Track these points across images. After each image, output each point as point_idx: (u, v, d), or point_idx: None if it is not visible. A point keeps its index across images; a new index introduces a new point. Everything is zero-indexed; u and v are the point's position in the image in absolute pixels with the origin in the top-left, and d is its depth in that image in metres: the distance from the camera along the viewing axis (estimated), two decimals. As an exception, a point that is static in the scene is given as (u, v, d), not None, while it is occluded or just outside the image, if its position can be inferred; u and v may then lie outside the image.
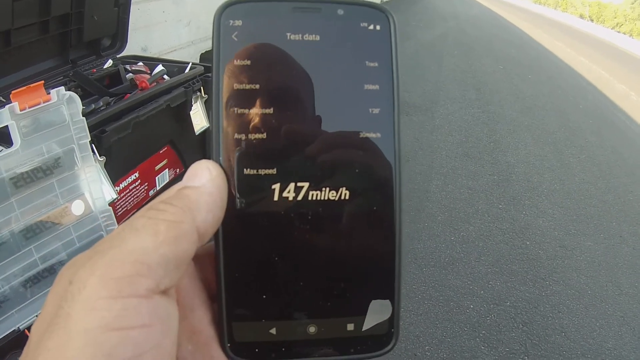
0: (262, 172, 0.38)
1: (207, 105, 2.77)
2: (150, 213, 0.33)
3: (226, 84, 0.38)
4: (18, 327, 1.60)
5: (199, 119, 2.68)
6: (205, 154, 3.04)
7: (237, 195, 0.38)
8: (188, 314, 0.37)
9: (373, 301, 0.40)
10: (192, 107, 2.61)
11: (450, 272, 3.14)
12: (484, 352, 2.57)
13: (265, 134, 0.38)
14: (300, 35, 0.39)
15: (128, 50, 2.87)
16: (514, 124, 5.91)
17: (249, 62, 0.38)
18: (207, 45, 5.42)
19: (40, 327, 0.30)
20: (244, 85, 0.38)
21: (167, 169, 2.66)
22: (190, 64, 2.80)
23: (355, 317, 0.40)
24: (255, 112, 0.38)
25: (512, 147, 5.22)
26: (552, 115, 6.47)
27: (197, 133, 2.69)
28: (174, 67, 2.79)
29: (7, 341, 1.58)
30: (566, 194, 4.39)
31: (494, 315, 2.83)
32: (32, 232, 1.58)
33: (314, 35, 0.39)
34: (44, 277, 1.65)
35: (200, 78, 2.69)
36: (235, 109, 0.38)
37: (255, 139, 0.38)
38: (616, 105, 7.65)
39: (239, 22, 0.39)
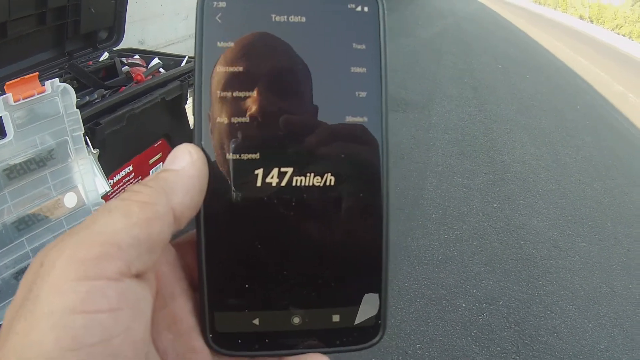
0: (244, 156, 0.38)
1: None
2: (124, 195, 0.33)
3: (208, 66, 0.38)
4: (9, 319, 1.60)
5: (194, 113, 2.67)
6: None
7: (219, 180, 0.37)
8: (168, 302, 0.37)
9: (361, 297, 0.40)
10: (188, 101, 2.60)
11: (444, 270, 3.14)
12: (475, 352, 2.57)
13: (248, 118, 0.38)
14: (285, 17, 0.38)
15: (125, 43, 2.87)
16: (511, 123, 5.92)
17: (232, 44, 0.38)
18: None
19: (11, 312, 0.29)
20: (226, 68, 0.38)
21: (161, 163, 2.66)
22: (187, 57, 2.80)
23: (341, 308, 0.40)
24: (238, 96, 0.38)
25: (508, 146, 5.22)
26: (549, 115, 6.47)
27: (192, 127, 2.69)
28: (170, 60, 2.79)
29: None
30: (562, 194, 4.39)
31: (486, 315, 2.83)
32: (25, 224, 1.58)
33: (299, 17, 0.38)
34: (36, 269, 1.65)
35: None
36: (218, 92, 0.38)
37: (238, 122, 0.38)
38: (614, 106, 7.65)
39: (222, 4, 0.38)
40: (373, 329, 0.40)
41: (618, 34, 18.08)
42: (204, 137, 0.38)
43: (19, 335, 0.27)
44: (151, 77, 2.58)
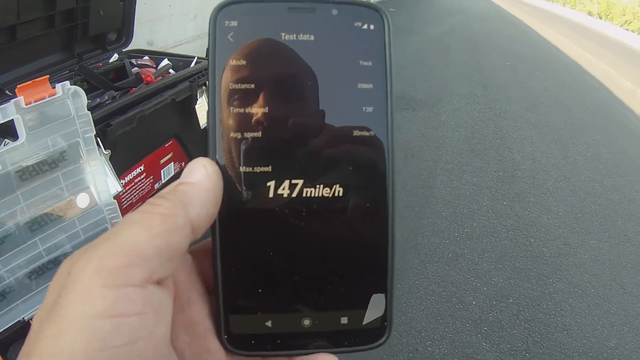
0: (257, 169, 0.39)
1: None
2: (145, 207, 0.34)
3: (222, 83, 0.39)
4: (23, 318, 1.61)
5: (204, 113, 2.68)
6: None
7: (233, 192, 0.39)
8: (185, 306, 0.38)
9: (365, 307, 0.41)
10: (197, 101, 2.61)
11: (454, 268, 3.15)
12: (485, 349, 2.57)
13: (260, 133, 0.39)
14: (294, 35, 0.40)
15: (134, 45, 2.88)
16: (520, 120, 5.90)
17: (244, 62, 0.39)
18: (214, 40, 5.40)
19: (40, 317, 0.31)
20: (239, 84, 0.39)
21: (172, 162, 2.67)
22: (196, 58, 2.81)
23: (348, 310, 0.41)
24: (250, 111, 0.39)
25: (517, 144, 5.21)
26: (558, 112, 6.45)
27: (202, 127, 2.70)
28: (180, 61, 2.80)
29: (12, 332, 1.59)
30: (571, 191, 4.38)
31: (496, 312, 2.83)
32: (37, 225, 1.59)
33: (308, 35, 0.40)
34: (49, 268, 1.66)
35: (206, 72, 2.70)
36: (231, 108, 0.39)
37: (250, 137, 0.39)
38: (623, 103, 7.62)
39: (234, 23, 0.39)
40: (379, 330, 0.42)
41: (627, 30, 18.01)
42: (218, 151, 0.39)
43: (49, 338, 0.29)
44: (161, 78, 2.59)
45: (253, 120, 0.39)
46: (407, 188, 3.99)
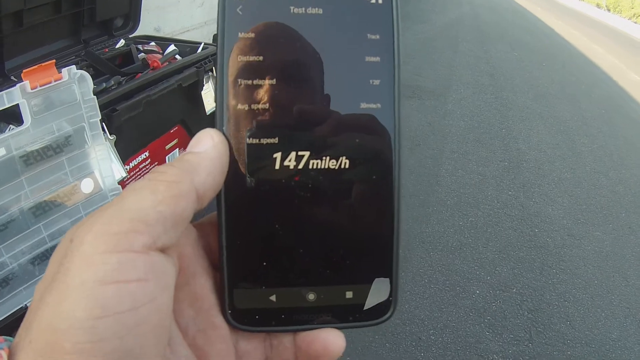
0: (264, 141, 0.39)
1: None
2: (151, 175, 0.35)
3: (230, 55, 0.39)
4: (26, 304, 1.62)
5: (210, 98, 2.68)
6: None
7: (239, 163, 0.39)
8: (190, 280, 0.39)
9: (374, 277, 0.42)
10: (204, 87, 2.61)
11: (458, 257, 3.15)
12: (488, 338, 2.58)
13: (267, 105, 0.39)
14: (303, 9, 0.40)
15: (140, 31, 2.88)
16: (527, 111, 5.89)
17: (252, 35, 0.39)
18: (221, 26, 5.39)
19: (43, 285, 0.31)
20: (247, 57, 0.39)
21: (177, 149, 2.67)
22: (203, 44, 2.81)
23: (354, 285, 0.41)
24: (258, 83, 0.39)
25: (523, 134, 5.20)
26: (565, 103, 6.43)
27: (208, 113, 2.70)
28: (186, 47, 2.80)
29: (15, 318, 1.60)
30: (576, 182, 4.38)
31: (499, 302, 2.84)
32: (42, 210, 1.60)
33: (316, 9, 0.40)
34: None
35: (212, 58, 2.69)
36: (239, 79, 0.39)
37: (257, 109, 0.39)
38: (630, 95, 7.58)
39: None
40: (385, 305, 0.42)
41: (635, 22, 17.92)
42: (225, 122, 0.39)
43: (50, 305, 0.29)
44: (167, 63, 2.59)
45: (261, 93, 0.39)
46: (412, 176, 3.99)
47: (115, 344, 0.29)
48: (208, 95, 2.67)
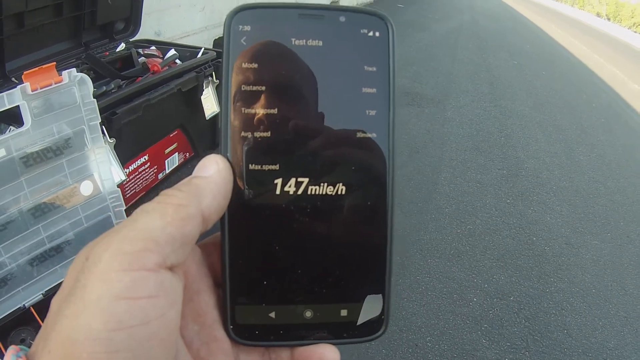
0: (265, 167, 0.41)
1: (218, 91, 2.78)
2: (160, 198, 0.37)
3: (234, 84, 0.42)
4: (24, 305, 1.62)
5: (209, 103, 2.69)
6: (215, 139, 3.06)
7: (243, 188, 0.41)
8: (194, 297, 0.41)
9: (367, 295, 0.44)
10: (204, 92, 2.62)
11: (455, 264, 3.15)
12: (485, 346, 2.58)
13: (269, 133, 0.41)
14: (304, 41, 0.42)
15: (141, 35, 2.89)
16: (526, 119, 5.90)
17: (255, 65, 0.41)
18: (221, 31, 5.40)
19: (59, 299, 0.33)
20: (250, 86, 0.41)
21: (176, 153, 2.68)
22: (203, 49, 2.81)
23: (348, 303, 0.44)
24: (260, 112, 0.41)
25: (522, 143, 5.20)
26: (564, 112, 6.44)
27: (207, 118, 2.70)
28: (187, 51, 2.81)
29: (13, 318, 1.60)
30: (575, 191, 4.38)
31: (496, 310, 2.84)
32: (41, 211, 1.60)
33: (317, 41, 0.42)
34: (51, 256, 1.67)
35: (212, 63, 2.70)
36: (243, 108, 0.41)
37: (260, 136, 0.41)
38: (629, 105, 7.60)
39: (247, 27, 0.42)
40: (377, 324, 0.44)
41: (635, 32, 17.97)
42: (229, 149, 0.41)
43: (69, 318, 0.31)
44: (167, 68, 2.60)
45: (263, 121, 0.41)
46: (411, 183, 4.00)
47: (128, 355, 0.31)
48: (208, 100, 2.68)
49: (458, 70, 7.43)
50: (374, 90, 0.43)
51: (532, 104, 6.50)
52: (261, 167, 0.41)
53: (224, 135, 0.42)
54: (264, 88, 0.41)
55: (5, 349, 1.63)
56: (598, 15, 21.66)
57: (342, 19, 0.43)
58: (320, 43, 0.42)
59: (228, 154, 0.41)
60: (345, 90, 0.42)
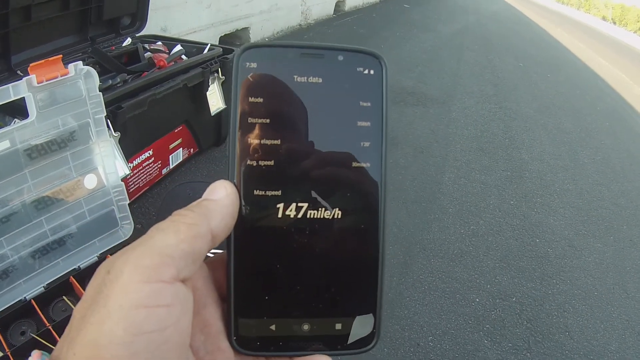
0: (269, 193, 0.46)
1: (224, 87, 2.78)
2: (174, 217, 0.41)
3: (241, 117, 0.46)
4: (25, 297, 1.62)
5: (215, 99, 2.69)
6: (220, 135, 3.06)
7: (248, 211, 0.46)
8: (201, 309, 0.45)
9: (360, 310, 0.49)
10: (209, 88, 2.62)
11: (458, 264, 3.15)
12: (486, 346, 2.57)
13: (273, 162, 0.46)
14: (305, 78, 0.47)
15: (147, 30, 2.89)
16: (530, 121, 5.89)
17: (261, 100, 0.46)
18: (227, 28, 5.41)
19: (82, 308, 0.37)
20: (256, 119, 0.46)
21: (181, 148, 2.68)
22: (209, 45, 2.81)
23: (342, 318, 0.48)
24: (265, 143, 0.46)
25: (527, 145, 5.20)
26: (568, 115, 6.44)
27: (212, 114, 2.71)
28: (193, 47, 2.81)
29: (13, 310, 1.60)
30: (578, 194, 4.38)
31: (499, 310, 2.83)
32: (44, 204, 1.60)
33: (317, 78, 0.47)
34: (53, 248, 1.68)
35: (219, 59, 2.71)
36: (248, 139, 0.46)
37: (264, 165, 0.46)
38: (634, 109, 7.60)
39: (254, 65, 0.46)
40: (369, 337, 0.49)
41: (641, 36, 17.94)
42: (236, 175, 0.46)
43: (94, 325, 0.34)
44: (173, 63, 2.60)
45: (268, 151, 0.46)
46: (415, 183, 3.99)
47: (147, 356, 0.35)
48: (213, 96, 2.68)
49: (463, 72, 7.43)
50: (369, 123, 0.47)
51: (537, 106, 6.50)
52: (265, 192, 0.45)
53: (232, 162, 0.46)
54: (268, 120, 0.45)
55: (6, 342, 1.63)
56: (604, 18, 21.64)
57: (340, 57, 0.47)
58: (320, 80, 0.47)
59: (235, 180, 0.45)
60: (342, 123, 0.47)
